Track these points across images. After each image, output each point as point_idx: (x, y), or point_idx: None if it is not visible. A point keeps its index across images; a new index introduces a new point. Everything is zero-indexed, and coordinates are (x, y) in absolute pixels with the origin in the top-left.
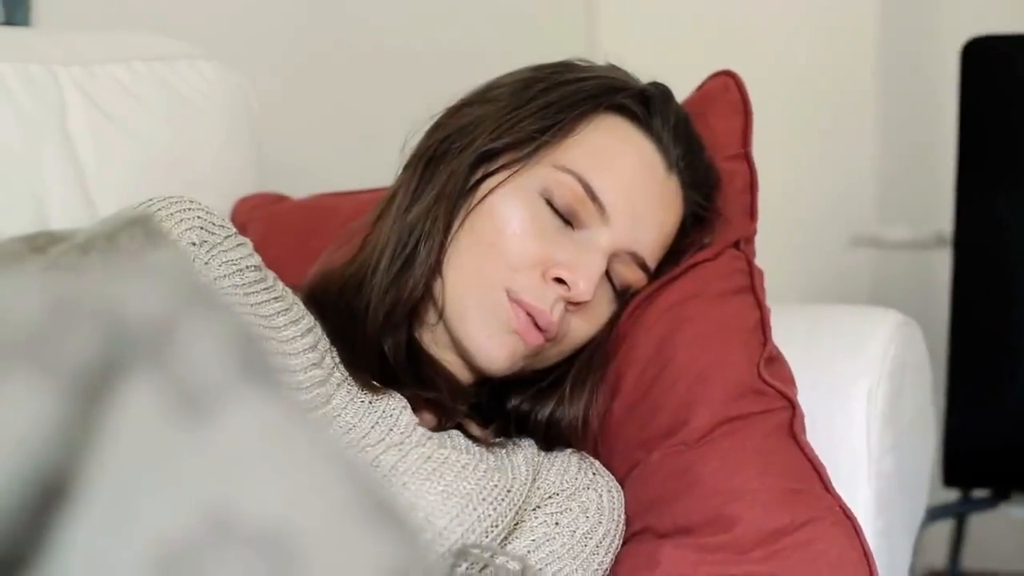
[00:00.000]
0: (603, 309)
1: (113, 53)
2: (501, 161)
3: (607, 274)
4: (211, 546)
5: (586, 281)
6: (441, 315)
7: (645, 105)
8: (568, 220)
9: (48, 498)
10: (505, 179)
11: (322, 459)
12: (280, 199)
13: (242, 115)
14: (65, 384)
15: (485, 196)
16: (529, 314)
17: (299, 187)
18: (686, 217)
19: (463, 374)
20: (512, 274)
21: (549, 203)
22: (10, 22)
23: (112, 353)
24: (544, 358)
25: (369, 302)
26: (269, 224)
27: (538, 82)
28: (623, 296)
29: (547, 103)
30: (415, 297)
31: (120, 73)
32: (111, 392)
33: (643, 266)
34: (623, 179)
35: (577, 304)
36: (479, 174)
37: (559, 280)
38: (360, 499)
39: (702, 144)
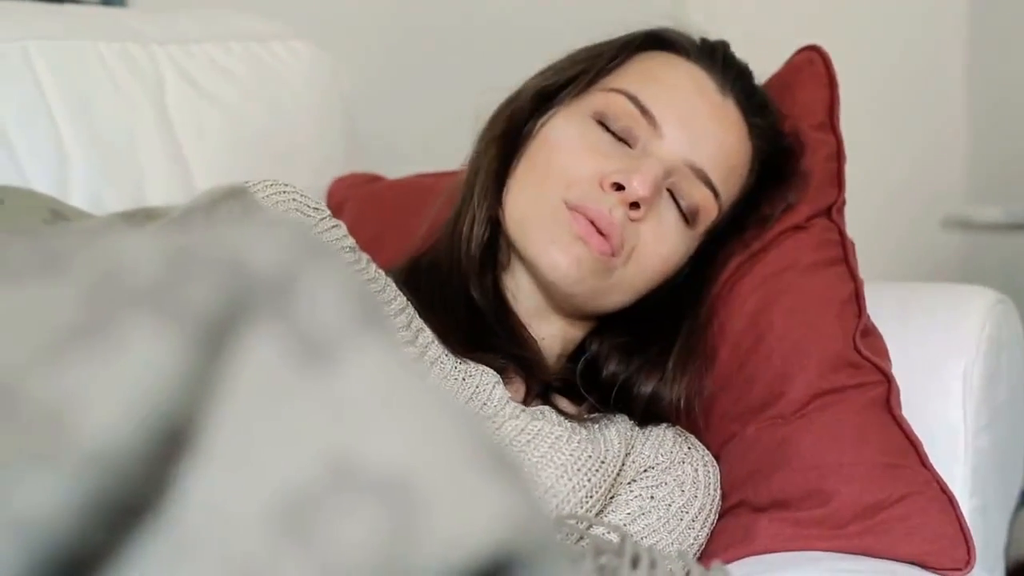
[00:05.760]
0: (672, 228)
1: (209, 33)
2: (554, 100)
3: (673, 196)
4: (334, 493)
5: (640, 179)
6: (509, 242)
7: (694, 43)
8: (623, 139)
9: (171, 445)
10: (558, 110)
11: (440, 408)
12: (375, 179)
13: (334, 94)
14: (188, 331)
15: (540, 128)
16: (591, 221)
17: (394, 167)
18: (757, 155)
19: (549, 323)
20: (569, 186)
21: (602, 124)
22: (107, 2)
23: (234, 301)
24: (621, 282)
25: (451, 256)
26: (365, 203)
27: (589, 49)
28: (694, 221)
29: (595, 50)
30: (482, 233)
31: (216, 52)
32: (233, 340)
33: (707, 182)
34: (672, 93)
35: (637, 207)
36: (536, 115)
37: (617, 187)
38: (478, 449)
39: (764, 91)
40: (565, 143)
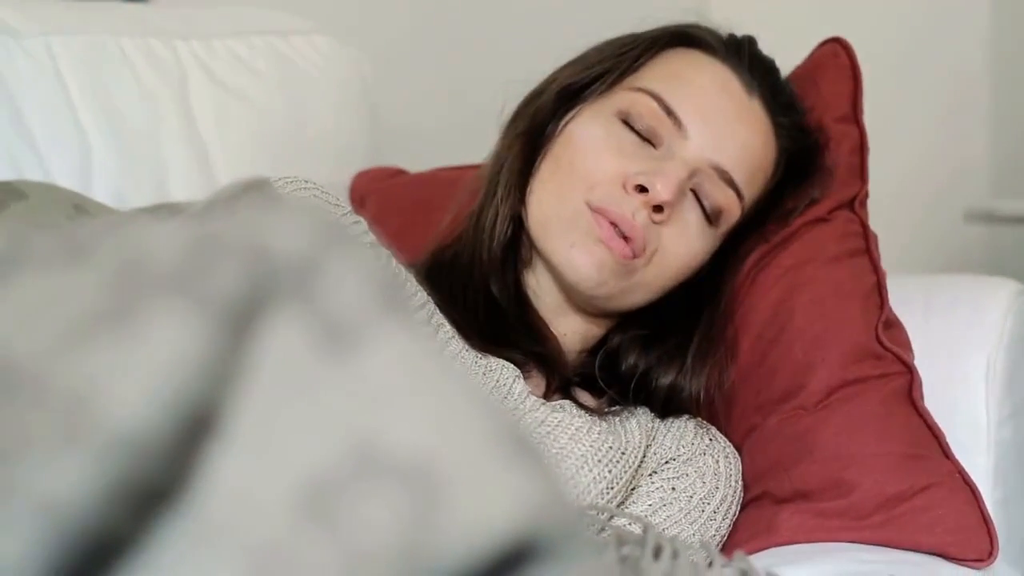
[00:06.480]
0: (695, 229)
1: (231, 28)
2: (579, 98)
3: (696, 196)
4: (358, 478)
5: (664, 182)
6: (531, 241)
7: (721, 40)
8: (647, 139)
9: (195, 430)
10: (582, 108)
11: (462, 394)
12: (398, 172)
13: (356, 89)
14: (212, 316)
15: (564, 127)
16: (613, 224)
17: (417, 161)
18: (782, 154)
19: (570, 321)
20: (592, 188)
21: (627, 123)
22: None
23: (258, 286)
24: (643, 282)
25: (474, 252)
26: (387, 196)
27: (615, 41)
28: (716, 222)
29: (622, 46)
30: (504, 230)
31: (238, 47)
32: (257, 324)
33: (731, 183)
34: (698, 93)
35: (660, 210)
36: (560, 113)
37: (640, 189)
38: (500, 434)
39: (791, 88)
40: (589, 143)
